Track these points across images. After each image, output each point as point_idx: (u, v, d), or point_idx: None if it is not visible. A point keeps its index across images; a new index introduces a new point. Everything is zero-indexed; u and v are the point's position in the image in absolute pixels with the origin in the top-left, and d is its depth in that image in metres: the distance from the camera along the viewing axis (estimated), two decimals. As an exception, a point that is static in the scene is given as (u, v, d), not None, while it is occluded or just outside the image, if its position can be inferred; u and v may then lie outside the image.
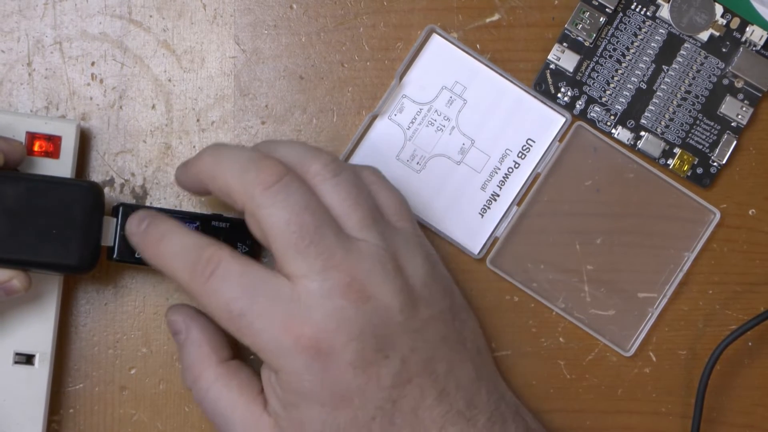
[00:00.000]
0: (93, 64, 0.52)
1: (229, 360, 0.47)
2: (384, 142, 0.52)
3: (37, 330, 0.49)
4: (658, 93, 0.53)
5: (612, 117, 0.53)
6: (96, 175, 0.51)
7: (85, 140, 0.51)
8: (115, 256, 0.48)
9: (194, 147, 0.52)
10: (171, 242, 0.46)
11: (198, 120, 0.52)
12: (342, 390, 0.44)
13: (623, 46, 0.53)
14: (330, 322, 0.44)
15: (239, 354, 0.48)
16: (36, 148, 0.49)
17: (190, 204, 0.52)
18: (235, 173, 0.45)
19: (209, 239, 0.46)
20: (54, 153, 0.49)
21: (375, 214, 0.46)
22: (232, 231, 0.49)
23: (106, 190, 0.51)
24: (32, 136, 0.49)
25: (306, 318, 0.44)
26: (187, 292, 0.45)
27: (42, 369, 0.49)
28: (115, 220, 0.48)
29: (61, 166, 0.49)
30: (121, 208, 0.48)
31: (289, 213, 0.44)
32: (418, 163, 0.52)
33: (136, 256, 0.48)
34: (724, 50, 0.53)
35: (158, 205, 0.51)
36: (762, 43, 0.53)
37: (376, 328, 0.44)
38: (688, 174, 0.53)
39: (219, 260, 0.44)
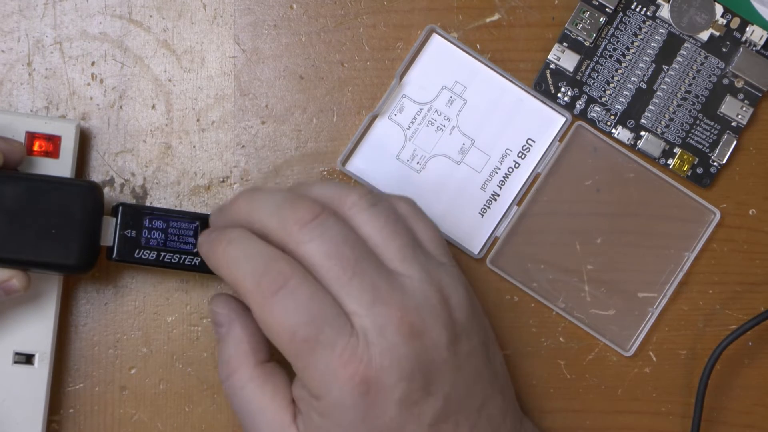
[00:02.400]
0: (93, 64, 0.52)
1: (266, 362, 0.47)
2: (384, 142, 0.52)
3: (36, 330, 0.49)
4: (658, 93, 0.53)
5: (612, 117, 0.53)
6: (96, 175, 0.51)
7: (85, 140, 0.51)
8: (114, 256, 0.48)
9: (194, 147, 0.52)
10: (240, 246, 0.45)
11: (198, 120, 0.52)
12: (383, 427, 0.44)
13: (623, 46, 0.53)
14: (384, 359, 0.43)
15: (277, 356, 0.48)
16: (36, 147, 0.49)
17: (190, 204, 0.52)
18: (270, 213, 0.44)
19: (282, 253, 0.44)
20: (54, 153, 0.49)
21: (414, 245, 0.46)
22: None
23: (106, 190, 0.51)
24: (32, 136, 0.49)
25: (363, 355, 0.43)
26: (246, 301, 0.44)
27: (42, 369, 0.49)
28: (114, 219, 0.48)
29: (61, 166, 0.49)
30: (120, 208, 0.48)
31: (327, 246, 0.43)
32: (418, 163, 0.52)
33: (136, 255, 0.48)
34: (724, 50, 0.53)
35: (158, 205, 0.51)
36: (762, 43, 0.53)
37: (424, 365, 0.44)
38: (688, 174, 0.53)
39: (290, 277, 0.43)
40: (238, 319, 0.47)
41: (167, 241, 0.49)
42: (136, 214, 0.48)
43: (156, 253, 0.48)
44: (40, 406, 0.49)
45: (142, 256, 0.48)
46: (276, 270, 0.43)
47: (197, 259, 0.49)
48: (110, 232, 0.48)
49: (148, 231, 0.48)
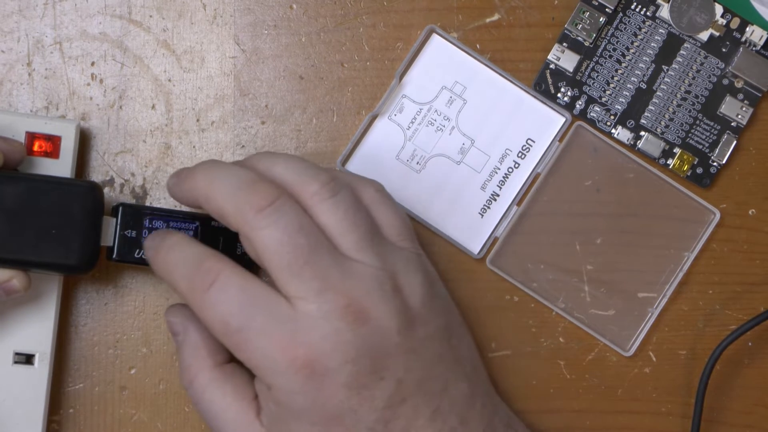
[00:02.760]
0: (93, 64, 0.52)
1: (225, 363, 0.47)
2: (384, 142, 0.52)
3: (36, 330, 0.49)
4: (658, 93, 0.53)
5: (612, 117, 0.53)
6: (96, 175, 0.51)
7: (85, 140, 0.51)
8: (114, 256, 0.48)
9: (194, 147, 0.52)
10: (175, 252, 0.46)
11: (198, 120, 0.52)
12: (334, 410, 0.44)
13: (623, 46, 0.53)
14: (326, 344, 0.43)
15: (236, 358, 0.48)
16: (36, 148, 0.49)
17: (190, 204, 0.52)
18: (227, 196, 0.45)
19: (213, 252, 0.45)
20: (54, 153, 0.49)
21: (373, 234, 0.46)
22: (231, 231, 0.49)
23: (106, 190, 0.51)
24: (32, 136, 0.49)
25: (303, 339, 0.43)
26: (187, 303, 0.45)
27: (42, 369, 0.49)
28: (114, 220, 0.48)
29: (61, 166, 0.49)
30: (120, 208, 0.48)
31: (281, 234, 0.44)
32: (418, 163, 0.52)
33: (136, 255, 0.48)
34: (724, 50, 0.53)
35: (158, 205, 0.51)
36: (762, 43, 0.53)
37: (372, 350, 0.44)
38: (688, 174, 0.53)
39: (218, 272, 0.44)
40: (191, 325, 0.48)
41: None
42: (136, 214, 0.48)
43: None
44: (40, 406, 0.49)
45: (142, 256, 0.48)
46: (206, 268, 0.44)
47: None
48: (110, 232, 0.48)
49: (148, 231, 0.48)
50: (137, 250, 0.48)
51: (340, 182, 0.46)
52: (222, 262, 0.45)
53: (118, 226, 0.48)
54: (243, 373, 0.47)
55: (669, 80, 0.53)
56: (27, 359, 0.49)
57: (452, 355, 0.46)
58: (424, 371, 0.45)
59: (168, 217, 0.49)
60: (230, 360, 0.48)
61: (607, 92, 0.53)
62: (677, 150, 0.53)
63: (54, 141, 0.49)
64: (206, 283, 0.44)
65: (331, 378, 0.44)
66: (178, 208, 0.51)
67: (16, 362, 0.49)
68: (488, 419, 0.47)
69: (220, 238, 0.49)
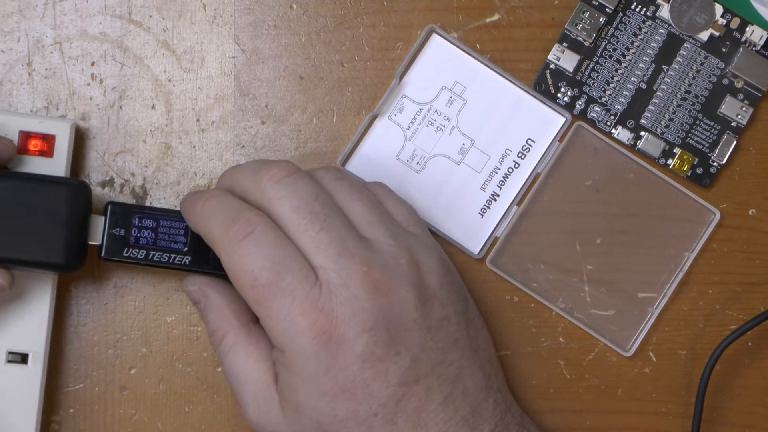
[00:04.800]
0: (93, 64, 0.52)
1: (250, 322, 0.48)
2: (384, 142, 0.52)
3: (30, 329, 0.49)
4: (658, 93, 0.53)
5: (612, 117, 0.53)
6: (96, 175, 0.51)
7: (82, 139, 0.51)
8: (102, 254, 0.48)
9: (194, 147, 0.52)
10: (213, 200, 0.46)
11: (198, 120, 0.52)
12: (346, 382, 0.44)
13: (623, 46, 0.53)
14: (346, 311, 0.44)
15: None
16: (31, 147, 0.49)
17: (190, 204, 0.52)
18: (249, 176, 0.46)
19: (252, 207, 0.46)
20: (48, 152, 0.49)
21: (384, 216, 0.47)
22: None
23: (106, 190, 0.51)
24: (26, 135, 0.49)
25: (324, 305, 0.44)
26: (217, 252, 0.45)
27: (35, 368, 0.49)
28: (103, 218, 0.48)
29: (55, 165, 0.49)
30: (109, 207, 0.48)
31: (298, 201, 0.45)
32: (418, 163, 0.52)
33: (125, 254, 0.48)
34: (724, 50, 0.53)
35: (158, 205, 0.51)
36: (762, 43, 0.53)
37: (390, 322, 0.44)
38: (688, 174, 0.53)
39: (256, 225, 0.45)
40: (211, 290, 0.48)
41: (157, 240, 0.48)
42: (125, 212, 0.48)
43: (145, 252, 0.48)
44: (33, 406, 0.49)
45: (131, 255, 0.48)
46: (244, 219, 0.45)
47: (187, 258, 0.49)
48: (100, 230, 0.48)
49: (137, 230, 0.48)
50: (126, 249, 0.48)
51: (346, 171, 0.47)
52: (260, 216, 0.45)
53: (107, 225, 0.48)
54: (266, 337, 0.47)
55: (669, 80, 0.53)
56: (21, 358, 0.49)
57: (469, 344, 0.47)
58: (439, 353, 0.45)
59: (158, 216, 0.49)
60: (254, 320, 0.48)
61: (607, 92, 0.53)
62: (677, 150, 0.53)
63: (48, 140, 0.49)
64: (243, 232, 0.44)
65: (347, 347, 0.44)
66: (169, 207, 0.51)
67: (9, 361, 0.49)
68: (501, 415, 0.47)
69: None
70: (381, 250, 0.45)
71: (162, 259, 0.48)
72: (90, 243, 0.48)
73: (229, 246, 0.45)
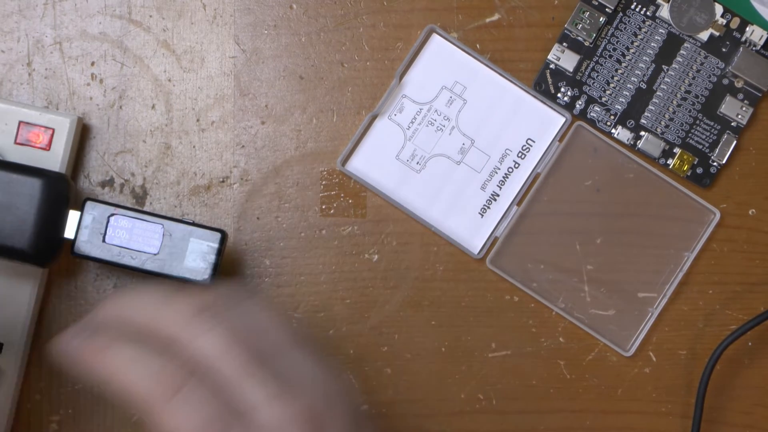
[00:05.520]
0: (93, 64, 0.52)
1: None
2: (384, 142, 0.52)
3: (7, 320, 0.49)
4: (658, 93, 0.53)
5: (612, 117, 0.53)
6: (96, 175, 0.51)
7: (85, 136, 0.51)
8: (73, 250, 0.48)
9: (194, 147, 0.52)
10: (122, 349, 0.39)
11: (198, 120, 0.52)
12: None
13: (623, 46, 0.53)
14: None
15: None
16: (29, 138, 0.49)
17: (189, 204, 0.52)
18: (152, 310, 0.39)
19: (171, 356, 0.38)
20: (46, 145, 0.49)
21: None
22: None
23: (106, 189, 0.51)
24: (26, 127, 0.49)
25: None
26: (139, 409, 0.38)
27: (9, 359, 0.49)
28: (79, 213, 0.48)
29: (51, 159, 0.49)
30: (86, 203, 0.48)
31: (228, 336, 0.38)
32: (418, 163, 0.52)
33: (95, 253, 0.48)
34: (724, 50, 0.53)
35: (158, 206, 0.51)
36: (762, 43, 0.53)
37: None
38: (688, 174, 0.53)
39: (187, 379, 0.38)
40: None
41: (131, 241, 0.48)
42: (102, 210, 0.48)
43: (118, 251, 0.48)
44: (8, 398, 0.49)
45: (102, 254, 0.48)
46: (170, 372, 0.38)
47: (158, 261, 0.48)
48: (75, 226, 0.48)
49: (113, 229, 0.48)
50: (98, 247, 0.48)
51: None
52: (187, 367, 0.38)
53: (81, 221, 0.48)
54: None
55: (669, 80, 0.53)
56: None
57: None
58: None
59: (135, 218, 0.48)
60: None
61: (607, 92, 0.53)
62: (677, 150, 0.53)
63: (47, 133, 0.49)
64: (173, 389, 0.38)
65: None
66: (147, 210, 0.50)
67: None
68: None
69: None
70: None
71: (132, 261, 0.48)
72: (66, 238, 0.48)
73: (159, 405, 0.38)
